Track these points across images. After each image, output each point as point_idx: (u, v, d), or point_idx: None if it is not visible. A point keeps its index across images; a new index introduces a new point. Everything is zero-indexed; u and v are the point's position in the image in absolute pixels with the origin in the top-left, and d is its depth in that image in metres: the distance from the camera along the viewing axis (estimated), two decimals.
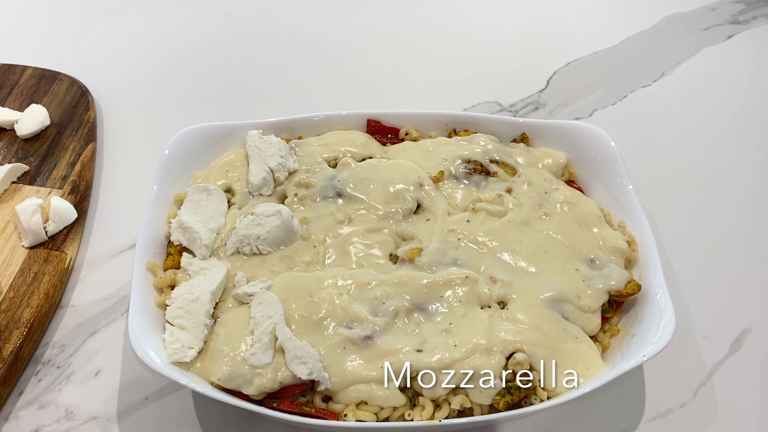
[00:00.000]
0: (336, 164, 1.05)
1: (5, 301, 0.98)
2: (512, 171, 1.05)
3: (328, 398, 0.83)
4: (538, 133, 1.11)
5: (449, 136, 1.12)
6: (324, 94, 1.40)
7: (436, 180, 1.02)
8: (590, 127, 1.08)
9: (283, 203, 1.01)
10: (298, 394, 0.83)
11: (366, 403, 0.81)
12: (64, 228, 1.09)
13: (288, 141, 1.09)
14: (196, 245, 0.94)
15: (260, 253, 0.94)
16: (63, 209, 1.09)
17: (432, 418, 0.81)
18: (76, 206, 1.11)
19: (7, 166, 1.14)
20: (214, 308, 0.89)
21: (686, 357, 0.97)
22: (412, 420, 0.80)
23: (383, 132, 1.12)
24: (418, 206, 1.00)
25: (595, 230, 0.98)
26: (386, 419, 0.82)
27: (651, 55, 1.48)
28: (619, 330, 0.91)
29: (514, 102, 1.38)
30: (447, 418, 0.81)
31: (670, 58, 1.47)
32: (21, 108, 1.27)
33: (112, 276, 1.07)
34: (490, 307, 0.89)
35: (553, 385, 0.83)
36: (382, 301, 0.88)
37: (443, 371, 0.81)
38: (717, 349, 0.98)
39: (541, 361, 0.83)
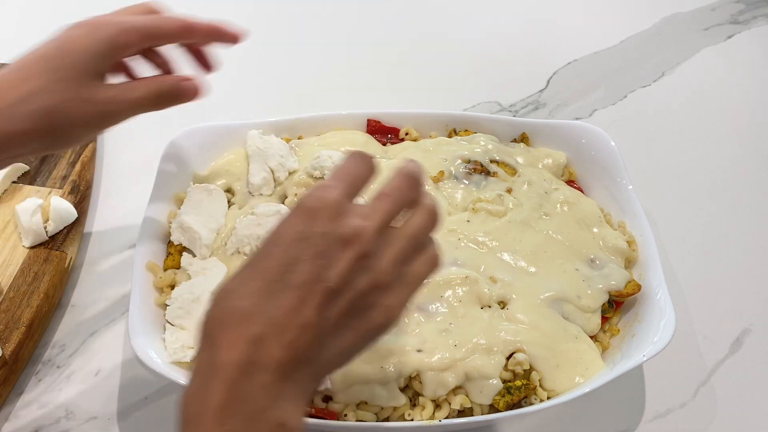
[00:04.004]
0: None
1: (5, 301, 0.98)
2: (512, 171, 1.05)
3: (328, 398, 0.83)
4: (538, 133, 1.11)
5: (449, 136, 1.12)
6: (324, 94, 1.40)
7: (436, 180, 1.02)
8: (590, 127, 1.08)
9: (283, 203, 1.01)
10: None
11: (366, 403, 0.81)
12: (64, 228, 1.08)
13: (288, 141, 1.09)
14: (197, 245, 0.94)
15: None
16: (63, 209, 1.09)
17: (432, 418, 0.81)
18: (76, 206, 1.11)
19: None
20: None
21: (686, 357, 0.97)
22: (412, 420, 0.80)
23: (383, 132, 1.12)
24: None
25: (595, 230, 0.98)
26: (386, 419, 0.82)
27: (651, 55, 1.48)
28: (619, 330, 0.91)
29: (514, 102, 1.38)
30: (447, 418, 0.81)
31: (670, 58, 1.47)
32: None
33: (112, 276, 1.07)
34: (490, 307, 0.89)
35: (553, 385, 0.83)
36: None
37: (443, 371, 0.81)
38: (717, 349, 0.98)
39: (541, 361, 0.83)
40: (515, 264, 0.93)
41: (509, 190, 1.02)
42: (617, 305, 0.93)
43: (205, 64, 0.89)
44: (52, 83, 0.72)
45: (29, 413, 0.92)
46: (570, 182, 1.07)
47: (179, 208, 0.99)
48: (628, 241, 0.96)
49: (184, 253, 0.95)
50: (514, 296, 0.89)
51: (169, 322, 0.87)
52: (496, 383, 0.81)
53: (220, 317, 0.53)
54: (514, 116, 1.34)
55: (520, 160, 1.07)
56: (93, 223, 1.15)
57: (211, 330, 0.53)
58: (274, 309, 0.51)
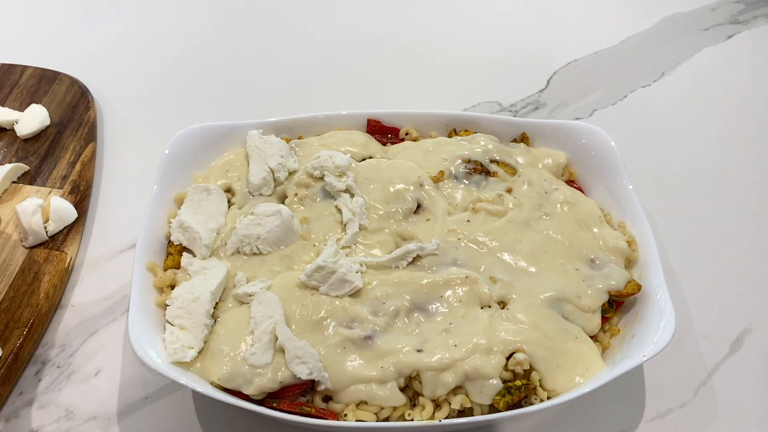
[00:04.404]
0: None
1: (5, 301, 0.98)
2: (512, 171, 1.05)
3: (328, 398, 0.83)
4: (538, 133, 1.11)
5: (449, 136, 1.12)
6: (324, 94, 1.40)
7: (437, 180, 1.02)
8: (590, 127, 1.08)
9: (283, 203, 1.01)
10: (298, 394, 0.83)
11: (366, 403, 0.81)
12: (64, 228, 1.09)
13: (288, 141, 1.09)
14: (196, 245, 0.94)
15: (260, 253, 0.94)
16: (63, 209, 1.09)
17: (432, 418, 0.81)
18: (76, 206, 1.11)
19: (7, 166, 1.14)
20: (214, 308, 0.89)
21: (686, 357, 0.97)
22: (412, 420, 0.80)
23: (383, 132, 1.12)
24: (419, 206, 1.00)
25: (595, 230, 0.98)
26: (386, 419, 0.82)
27: (651, 55, 1.48)
28: (619, 330, 0.91)
29: (514, 102, 1.38)
30: (447, 418, 0.81)
31: (670, 58, 1.47)
32: (21, 108, 1.27)
33: (112, 276, 1.07)
34: (490, 307, 0.89)
35: (553, 385, 0.83)
36: (382, 301, 0.88)
37: (443, 371, 0.81)
38: (717, 349, 0.98)
39: (541, 361, 0.83)
40: (515, 264, 0.93)
41: (509, 190, 1.02)
42: (617, 305, 0.93)
43: None
44: None
45: (29, 413, 0.92)
46: (570, 182, 1.07)
47: (179, 208, 0.99)
48: (628, 241, 0.96)
49: (184, 253, 0.95)
50: (514, 296, 0.89)
51: (169, 322, 0.87)
52: (496, 383, 0.81)
53: None
54: (514, 116, 1.34)
55: (520, 160, 1.07)
56: (93, 223, 1.15)
57: None
58: None
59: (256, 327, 0.84)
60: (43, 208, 1.08)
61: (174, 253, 0.96)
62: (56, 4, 1.61)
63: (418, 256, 0.92)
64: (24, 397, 0.93)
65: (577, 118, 1.34)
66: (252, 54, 1.50)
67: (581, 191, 1.06)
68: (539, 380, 0.83)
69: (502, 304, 0.90)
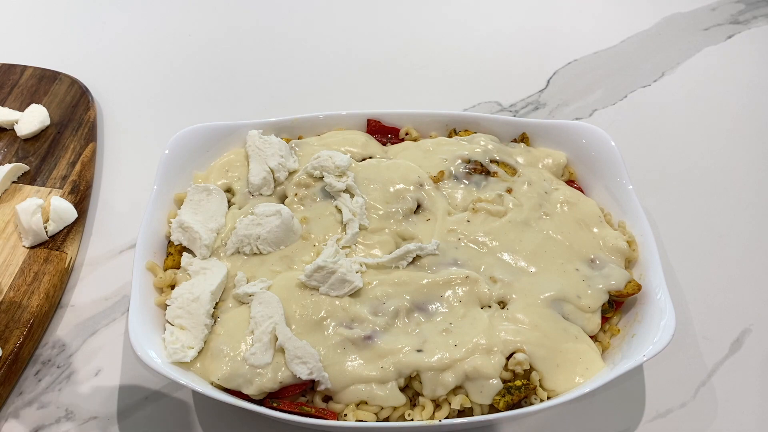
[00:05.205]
0: None
1: (5, 301, 0.98)
2: (512, 171, 1.05)
3: (328, 398, 0.83)
4: (538, 133, 1.11)
5: (449, 136, 1.12)
6: (324, 94, 1.40)
7: (436, 180, 1.02)
8: (590, 127, 1.08)
9: (283, 203, 1.01)
10: (298, 394, 0.83)
11: (366, 403, 0.81)
12: (64, 228, 1.09)
13: (288, 141, 1.09)
14: (196, 245, 0.94)
15: (260, 253, 0.94)
16: (63, 209, 1.09)
17: (432, 418, 0.81)
18: (76, 206, 1.11)
19: (7, 166, 1.14)
20: (214, 308, 0.89)
21: (686, 357, 0.97)
22: (412, 420, 0.80)
23: (383, 132, 1.12)
24: (419, 206, 1.00)
25: (595, 230, 0.98)
26: (386, 419, 0.82)
27: (651, 55, 1.48)
28: (619, 330, 0.91)
29: (514, 102, 1.38)
30: (447, 418, 0.81)
31: (670, 58, 1.47)
32: (21, 108, 1.27)
33: (112, 276, 1.07)
34: (490, 307, 0.89)
35: (553, 385, 0.83)
36: (383, 301, 0.88)
37: (443, 371, 0.81)
38: (717, 349, 0.98)
39: (541, 361, 0.83)
40: (515, 264, 0.93)
41: (509, 190, 1.02)
42: (617, 305, 0.93)
43: None
44: None
45: (29, 413, 0.92)
46: (570, 182, 1.07)
47: (179, 208, 0.99)
48: (628, 241, 0.96)
49: (184, 253, 0.95)
50: (514, 296, 0.89)
51: (169, 322, 0.87)
52: (496, 383, 0.81)
53: None
54: (514, 116, 1.34)
55: (520, 160, 1.07)
56: (93, 223, 1.15)
57: None
58: None
59: (256, 327, 0.84)
60: (43, 208, 1.08)
61: (174, 253, 0.96)
62: (56, 4, 1.61)
63: (418, 256, 0.92)
64: (24, 397, 0.93)
65: (577, 118, 1.34)
66: (252, 54, 1.50)
67: (581, 191, 1.06)
68: (539, 380, 0.83)
69: (502, 304, 0.90)
